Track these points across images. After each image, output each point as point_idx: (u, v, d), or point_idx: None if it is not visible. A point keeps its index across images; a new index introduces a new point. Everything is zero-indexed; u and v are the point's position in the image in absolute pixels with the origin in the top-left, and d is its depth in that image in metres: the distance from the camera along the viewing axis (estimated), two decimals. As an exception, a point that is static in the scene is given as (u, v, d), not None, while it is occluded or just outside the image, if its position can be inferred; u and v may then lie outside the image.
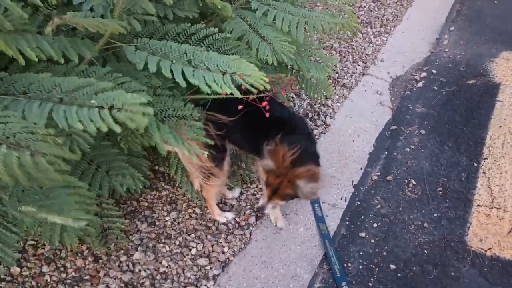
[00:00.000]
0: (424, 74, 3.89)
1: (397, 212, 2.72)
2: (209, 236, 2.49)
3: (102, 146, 2.16)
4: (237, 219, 2.59)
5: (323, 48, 4.02)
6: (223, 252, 2.42)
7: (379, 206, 2.76)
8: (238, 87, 1.70)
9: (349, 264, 2.45)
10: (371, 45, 4.16)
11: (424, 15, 4.73)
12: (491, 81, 3.77)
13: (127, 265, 2.32)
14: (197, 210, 2.61)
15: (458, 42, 4.32)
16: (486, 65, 3.96)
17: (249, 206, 2.67)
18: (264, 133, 2.17)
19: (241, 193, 2.75)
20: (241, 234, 2.51)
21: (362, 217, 2.69)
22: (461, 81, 3.81)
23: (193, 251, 2.42)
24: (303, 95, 3.45)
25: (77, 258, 2.32)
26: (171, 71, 1.72)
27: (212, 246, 2.45)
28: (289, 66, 2.68)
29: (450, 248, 2.52)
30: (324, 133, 3.19)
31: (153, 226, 2.52)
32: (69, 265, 2.28)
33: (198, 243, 2.45)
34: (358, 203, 2.78)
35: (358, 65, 3.87)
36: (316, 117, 3.30)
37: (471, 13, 4.82)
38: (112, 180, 2.23)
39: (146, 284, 2.25)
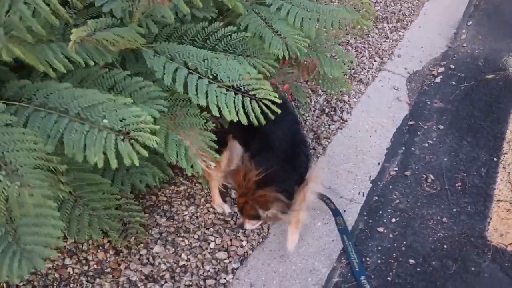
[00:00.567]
0: (441, 69, 3.84)
1: (415, 207, 2.70)
2: (227, 230, 2.51)
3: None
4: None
5: (339, 44, 4.00)
6: (242, 246, 2.44)
7: (397, 201, 2.75)
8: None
9: (367, 259, 2.44)
10: (387, 40, 4.12)
11: (441, 10, 4.67)
12: (511, 75, 3.71)
13: (147, 258, 2.36)
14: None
15: (476, 37, 4.26)
16: (505, 59, 3.89)
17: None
18: (263, 141, 2.13)
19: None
20: (259, 229, 2.52)
21: (380, 212, 2.68)
22: (479, 76, 3.75)
23: (212, 245, 2.44)
24: (320, 90, 3.45)
25: (99, 251, 2.36)
26: (185, 83, 1.73)
27: (230, 240, 2.46)
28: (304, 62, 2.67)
29: (470, 243, 2.49)
30: (341, 128, 3.18)
31: (172, 220, 2.55)
32: (91, 257, 2.33)
33: (217, 237, 2.47)
34: (376, 198, 2.77)
35: (375, 61, 3.85)
36: (332, 112, 3.30)
37: (489, 7, 4.74)
38: (132, 177, 2.27)
39: (166, 277, 2.29)
